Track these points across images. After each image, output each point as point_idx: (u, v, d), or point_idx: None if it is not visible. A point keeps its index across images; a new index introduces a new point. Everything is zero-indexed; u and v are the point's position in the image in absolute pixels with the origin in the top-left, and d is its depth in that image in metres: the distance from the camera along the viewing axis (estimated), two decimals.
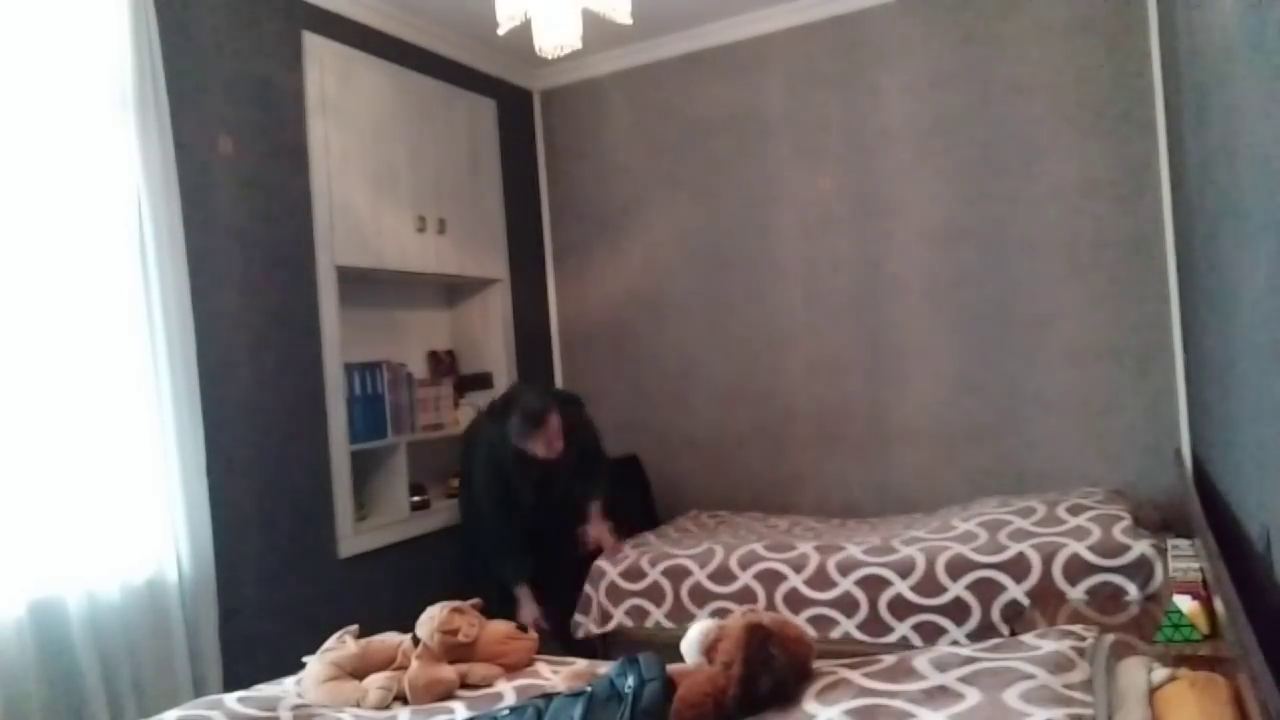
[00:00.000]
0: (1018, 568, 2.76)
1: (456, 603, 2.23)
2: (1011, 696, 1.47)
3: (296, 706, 1.96)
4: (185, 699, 2.43)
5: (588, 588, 3.41)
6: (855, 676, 1.65)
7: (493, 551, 3.36)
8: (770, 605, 3.06)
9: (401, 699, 1.99)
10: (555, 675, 2.06)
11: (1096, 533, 2.74)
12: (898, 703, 1.52)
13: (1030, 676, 1.52)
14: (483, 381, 4.18)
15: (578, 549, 3.55)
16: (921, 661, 1.68)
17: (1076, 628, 1.72)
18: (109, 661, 2.43)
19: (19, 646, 2.23)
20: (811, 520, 3.71)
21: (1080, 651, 1.61)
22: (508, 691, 1.99)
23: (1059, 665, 1.55)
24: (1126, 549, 2.65)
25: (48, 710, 2.28)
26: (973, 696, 1.50)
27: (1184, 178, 2.79)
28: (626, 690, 1.59)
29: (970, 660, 1.65)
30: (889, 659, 1.74)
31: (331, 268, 3.30)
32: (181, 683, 2.57)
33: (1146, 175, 3.34)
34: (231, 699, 1.97)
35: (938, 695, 1.53)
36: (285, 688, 2.09)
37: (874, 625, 2.90)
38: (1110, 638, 1.68)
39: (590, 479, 3.61)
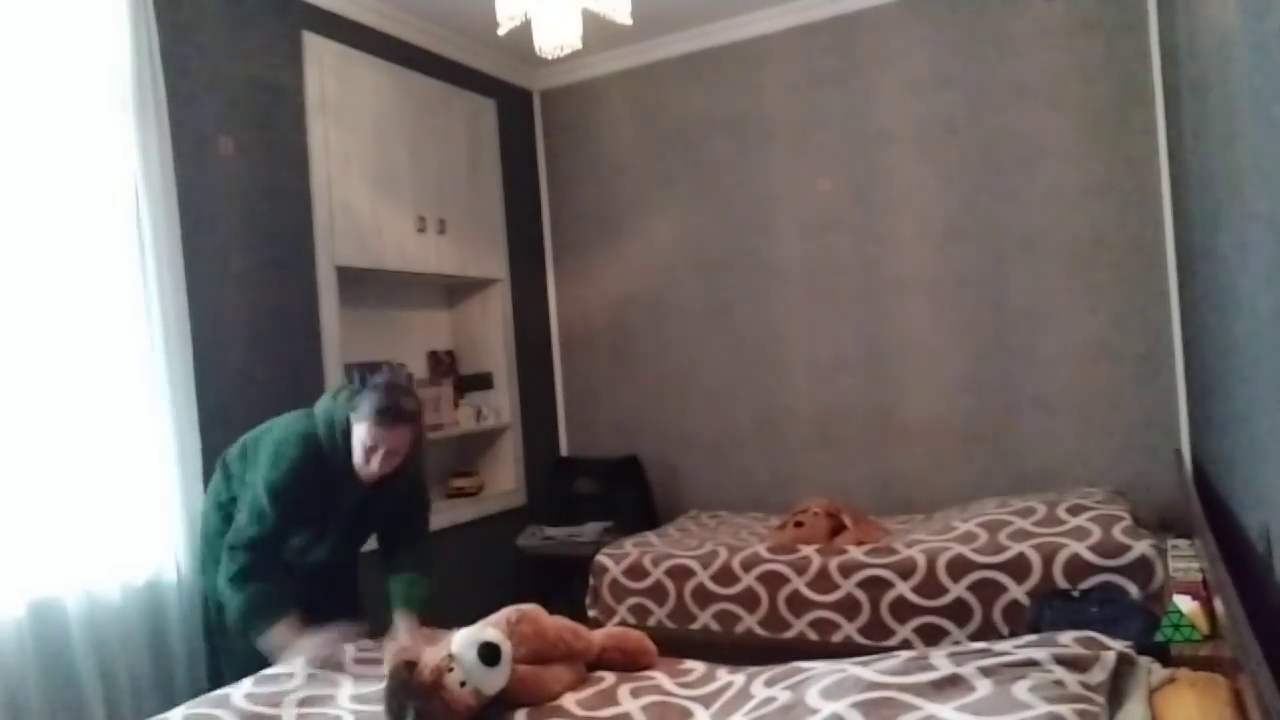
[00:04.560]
0: (1018, 568, 2.76)
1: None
2: (1021, 690, 1.46)
3: (301, 701, 1.96)
4: (183, 699, 2.43)
5: (592, 580, 3.42)
6: (864, 672, 1.64)
7: (252, 575, 2.22)
8: (772, 607, 3.07)
9: None
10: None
11: (1096, 533, 2.74)
12: (906, 695, 1.51)
13: (1048, 672, 1.52)
14: (483, 382, 4.19)
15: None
16: (938, 656, 1.67)
17: (1097, 635, 1.71)
18: (108, 662, 2.43)
19: (19, 646, 2.23)
20: None
21: (1099, 654, 1.60)
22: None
23: (1079, 664, 1.55)
24: (1126, 549, 2.65)
25: (47, 709, 2.28)
26: (983, 688, 1.49)
27: (1184, 178, 2.79)
28: None
29: (987, 653, 1.64)
30: (903, 653, 1.73)
31: (331, 268, 3.30)
32: (180, 683, 2.57)
33: (1146, 175, 3.34)
34: (238, 695, 1.98)
35: (946, 686, 1.52)
36: (293, 668, 2.10)
37: (875, 629, 2.91)
38: (1121, 645, 1.67)
39: (409, 545, 2.49)
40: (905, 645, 2.80)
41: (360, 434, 2.21)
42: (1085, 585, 2.65)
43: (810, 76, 3.91)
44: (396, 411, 2.21)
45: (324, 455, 2.26)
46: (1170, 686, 1.53)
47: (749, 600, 3.11)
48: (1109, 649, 1.62)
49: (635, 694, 1.88)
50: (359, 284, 3.58)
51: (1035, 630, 2.42)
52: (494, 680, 1.81)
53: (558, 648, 1.96)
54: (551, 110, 4.56)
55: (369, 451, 2.22)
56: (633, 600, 3.31)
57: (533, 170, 4.54)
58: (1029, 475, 3.52)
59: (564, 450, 4.57)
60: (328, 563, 2.47)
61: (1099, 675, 1.53)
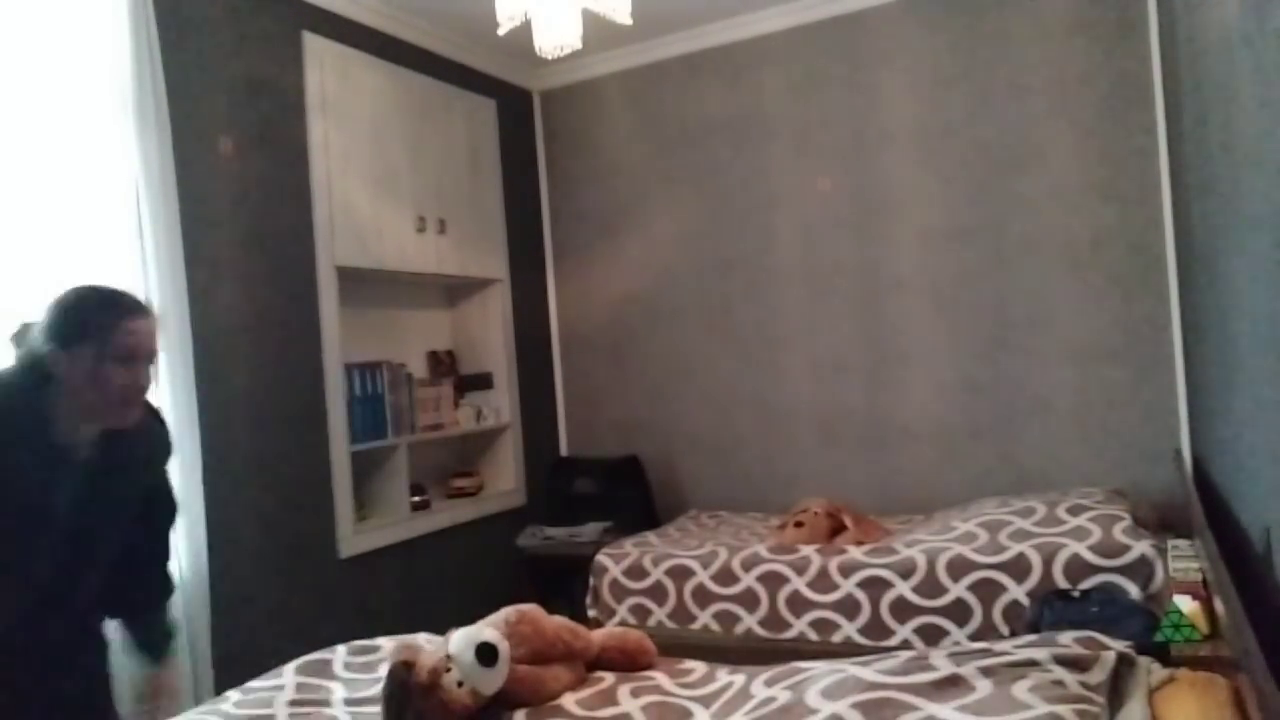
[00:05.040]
0: (1018, 568, 2.76)
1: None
2: (1021, 690, 1.46)
3: (292, 703, 1.95)
4: (183, 702, 2.42)
5: (592, 580, 3.42)
6: (864, 672, 1.64)
7: None
8: (772, 607, 3.07)
9: None
10: None
11: (1097, 533, 2.74)
12: (906, 696, 1.51)
13: (1048, 672, 1.52)
14: (483, 382, 4.19)
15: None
16: (938, 656, 1.67)
17: (1097, 635, 1.71)
18: None
19: None
20: None
21: (1099, 654, 1.60)
22: None
23: (1079, 664, 1.55)
24: (1126, 549, 2.65)
25: None
26: (983, 688, 1.49)
27: (1184, 178, 2.79)
28: None
29: (987, 653, 1.64)
30: (903, 653, 1.73)
31: (331, 268, 3.30)
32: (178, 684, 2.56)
33: (1146, 175, 3.34)
34: (229, 702, 1.98)
35: (946, 686, 1.52)
36: (283, 678, 2.10)
37: (875, 629, 2.91)
38: (1121, 645, 1.67)
39: (148, 564, 1.87)
40: (905, 645, 2.80)
41: (111, 347, 1.48)
42: (1085, 585, 2.65)
43: (810, 76, 3.91)
44: (129, 297, 1.58)
45: (34, 409, 1.48)
46: (1170, 686, 1.53)
47: (749, 600, 3.11)
48: (1109, 649, 1.62)
49: (635, 694, 1.88)
50: (359, 284, 3.58)
51: (1035, 630, 2.42)
52: (491, 680, 1.81)
53: (557, 648, 1.96)
54: (551, 110, 4.56)
55: (130, 360, 1.50)
56: (633, 600, 3.31)
57: (533, 170, 4.54)
58: (1029, 475, 3.52)
59: (564, 450, 4.57)
60: (44, 638, 1.56)
61: (1099, 675, 1.53)
